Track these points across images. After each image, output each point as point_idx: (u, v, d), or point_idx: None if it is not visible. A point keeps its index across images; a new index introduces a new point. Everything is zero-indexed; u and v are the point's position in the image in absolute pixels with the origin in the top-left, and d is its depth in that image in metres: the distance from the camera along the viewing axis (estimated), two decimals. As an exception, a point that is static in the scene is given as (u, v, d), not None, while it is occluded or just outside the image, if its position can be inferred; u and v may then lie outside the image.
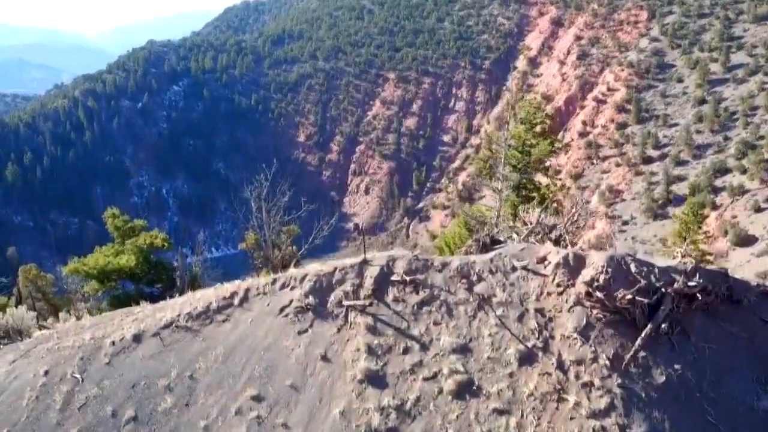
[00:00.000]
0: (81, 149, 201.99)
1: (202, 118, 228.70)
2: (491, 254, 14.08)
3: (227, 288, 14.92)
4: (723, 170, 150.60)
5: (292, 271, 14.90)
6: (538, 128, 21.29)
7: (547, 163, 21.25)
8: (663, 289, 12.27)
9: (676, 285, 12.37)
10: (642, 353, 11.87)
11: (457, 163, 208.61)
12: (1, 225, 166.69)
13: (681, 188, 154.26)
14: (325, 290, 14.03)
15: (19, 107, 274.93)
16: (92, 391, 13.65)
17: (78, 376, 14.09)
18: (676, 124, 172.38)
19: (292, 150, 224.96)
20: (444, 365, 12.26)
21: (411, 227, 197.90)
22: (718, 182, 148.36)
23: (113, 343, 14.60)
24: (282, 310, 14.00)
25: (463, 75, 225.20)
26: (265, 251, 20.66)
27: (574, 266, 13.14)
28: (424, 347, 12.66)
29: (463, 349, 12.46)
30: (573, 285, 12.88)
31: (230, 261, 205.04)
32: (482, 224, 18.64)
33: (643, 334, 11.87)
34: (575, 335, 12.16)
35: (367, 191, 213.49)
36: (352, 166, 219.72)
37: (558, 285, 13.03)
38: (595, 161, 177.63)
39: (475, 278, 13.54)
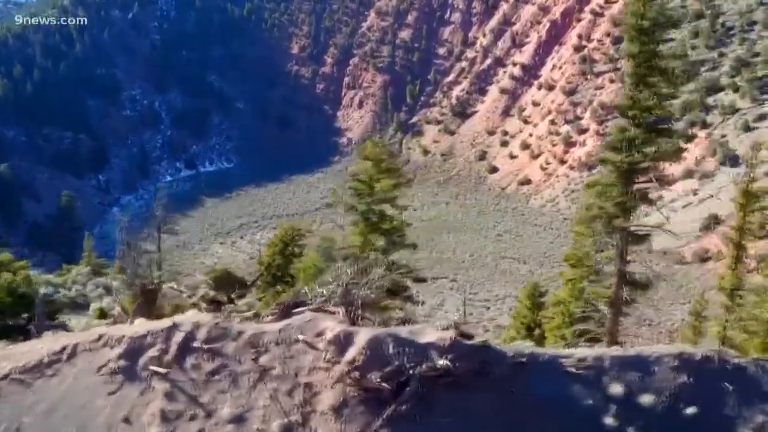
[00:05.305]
0: (72, 61, 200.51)
1: (195, 29, 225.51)
2: (282, 324, 15.74)
3: (60, 342, 16.71)
4: (716, 88, 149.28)
5: (117, 328, 16.63)
6: (383, 165, 22.47)
7: (393, 196, 22.57)
8: (411, 371, 14.00)
9: (424, 366, 14.09)
10: (384, 431, 13.71)
11: (451, 77, 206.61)
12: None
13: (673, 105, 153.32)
14: (136, 353, 15.80)
15: (11, 14, 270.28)
16: (-63, 439, 15.70)
17: (-72, 422, 16.11)
18: (671, 39, 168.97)
19: (286, 62, 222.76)
20: (220, 434, 14.17)
21: (404, 142, 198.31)
22: (710, 100, 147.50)
23: (-40, 390, 16.53)
24: (99, 369, 15.83)
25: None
26: (129, 278, 22.41)
27: (343, 343, 14.82)
28: (209, 415, 14.53)
29: (239, 419, 14.33)
30: (339, 362, 14.61)
31: (224, 175, 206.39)
32: (329, 252, 20.22)
33: (384, 415, 13.68)
34: (330, 412, 14.00)
35: (361, 105, 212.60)
36: (346, 79, 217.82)
37: (328, 361, 14.75)
38: (588, 77, 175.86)
39: (262, 349, 15.28)
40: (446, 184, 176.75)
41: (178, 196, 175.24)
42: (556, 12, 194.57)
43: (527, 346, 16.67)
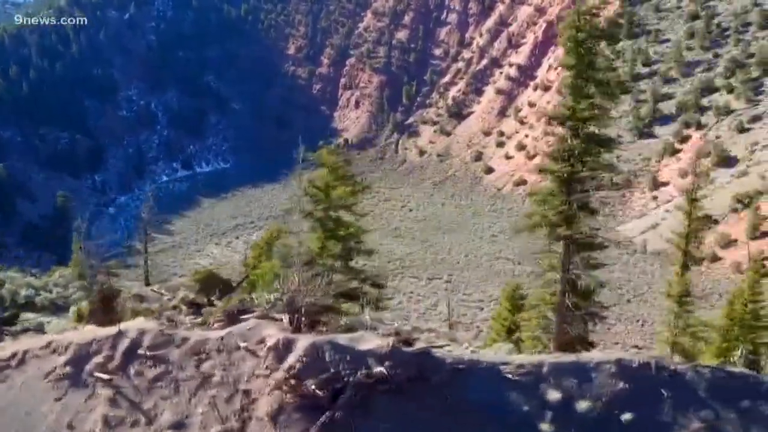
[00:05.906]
0: (69, 62, 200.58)
1: (192, 29, 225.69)
2: (224, 332, 15.97)
3: (10, 349, 16.95)
4: (711, 89, 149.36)
5: (66, 335, 16.87)
6: (340, 172, 22.67)
7: (350, 203, 22.76)
8: (347, 378, 14.21)
9: (360, 373, 14.29)
10: (319, 437, 13.93)
11: (447, 78, 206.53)
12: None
13: (668, 106, 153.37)
14: (82, 360, 16.05)
15: (8, 13, 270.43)
16: None
17: None
18: (667, 40, 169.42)
19: (283, 63, 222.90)
20: (159, 440, 14.40)
21: (400, 143, 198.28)
22: (705, 101, 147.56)
23: None
24: (47, 375, 16.07)
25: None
26: (88, 283, 22.59)
27: (283, 351, 15.04)
28: (150, 421, 14.77)
29: (179, 426, 14.56)
30: (278, 369, 14.82)
31: (221, 175, 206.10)
32: (286, 260, 20.44)
33: (318, 423, 13.89)
34: (267, 418, 14.21)
35: (357, 105, 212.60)
36: (343, 79, 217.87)
37: (267, 368, 14.97)
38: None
39: (204, 356, 15.51)
40: (442, 185, 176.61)
41: (175, 197, 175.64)
42: (552, 13, 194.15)
43: (469, 352, 16.87)
